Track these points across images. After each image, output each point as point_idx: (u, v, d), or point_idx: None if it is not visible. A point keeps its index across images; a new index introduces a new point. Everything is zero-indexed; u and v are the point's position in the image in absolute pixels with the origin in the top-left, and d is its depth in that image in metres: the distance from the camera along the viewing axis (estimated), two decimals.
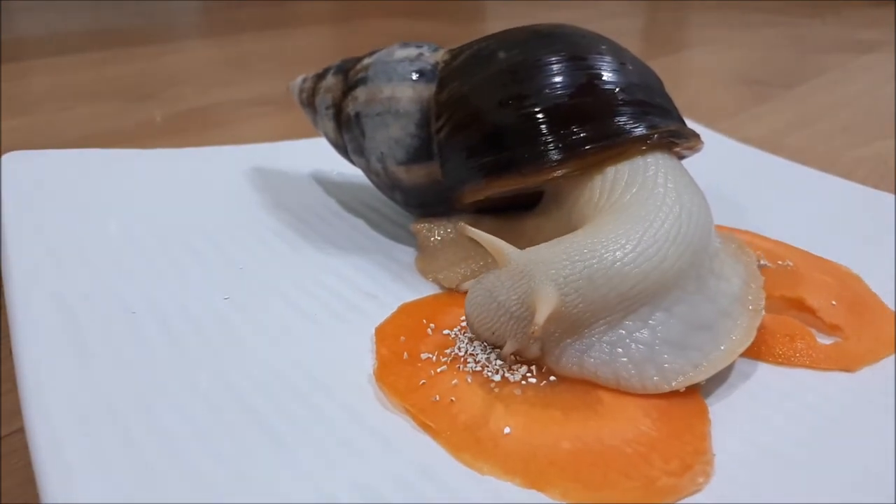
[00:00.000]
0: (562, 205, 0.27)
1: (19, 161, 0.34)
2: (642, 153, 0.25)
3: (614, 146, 0.25)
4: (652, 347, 0.22)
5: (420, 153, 0.29)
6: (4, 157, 0.34)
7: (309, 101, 0.33)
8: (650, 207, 0.23)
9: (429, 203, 0.30)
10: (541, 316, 0.21)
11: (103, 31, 1.01)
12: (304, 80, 0.34)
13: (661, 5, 1.40)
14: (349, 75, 0.31)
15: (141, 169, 0.36)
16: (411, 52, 0.30)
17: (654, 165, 0.25)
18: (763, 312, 0.23)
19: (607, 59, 0.27)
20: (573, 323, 0.22)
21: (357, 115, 0.30)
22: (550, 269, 0.22)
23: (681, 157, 0.28)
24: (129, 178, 0.35)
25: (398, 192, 0.31)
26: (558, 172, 0.25)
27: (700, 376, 0.22)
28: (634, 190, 0.24)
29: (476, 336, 0.23)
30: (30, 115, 0.58)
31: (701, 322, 0.22)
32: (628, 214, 0.23)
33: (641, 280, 0.22)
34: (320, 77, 0.33)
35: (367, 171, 0.31)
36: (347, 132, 0.31)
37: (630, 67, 0.27)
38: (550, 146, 0.25)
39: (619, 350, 0.21)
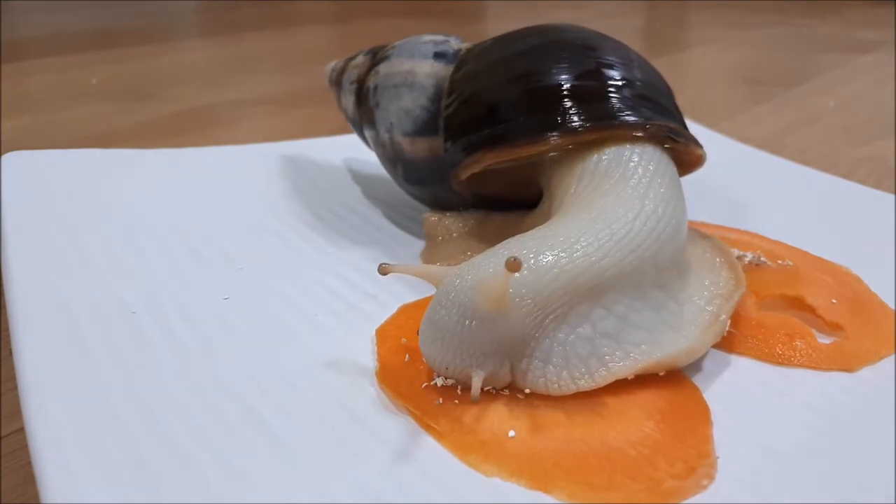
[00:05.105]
0: (550, 198, 0.27)
1: (19, 161, 0.34)
2: (634, 141, 0.25)
3: (608, 128, 0.25)
4: (593, 341, 0.21)
5: (427, 126, 0.29)
6: (4, 157, 0.34)
7: (337, 79, 0.35)
8: (606, 206, 0.23)
9: (427, 180, 0.31)
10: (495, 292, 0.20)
11: (103, 31, 1.01)
12: (337, 63, 0.35)
13: (661, 5, 1.40)
14: (377, 55, 0.33)
15: (141, 169, 0.36)
16: (438, 37, 0.31)
17: (637, 159, 0.25)
18: (723, 333, 0.23)
19: (619, 55, 0.28)
20: (524, 321, 0.21)
21: (375, 87, 0.31)
22: (489, 266, 0.21)
23: (684, 164, 0.28)
24: (129, 178, 0.35)
25: (399, 165, 0.31)
26: (552, 142, 0.25)
27: (632, 366, 0.21)
28: (603, 185, 0.24)
29: (440, 374, 0.21)
30: (30, 115, 0.58)
31: (638, 322, 0.22)
32: (583, 209, 0.23)
33: (580, 274, 0.21)
34: (351, 58, 0.34)
35: (375, 143, 0.32)
36: (364, 105, 0.32)
37: (639, 69, 0.28)
38: (546, 120, 0.26)
39: (569, 349, 0.21)
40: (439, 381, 0.21)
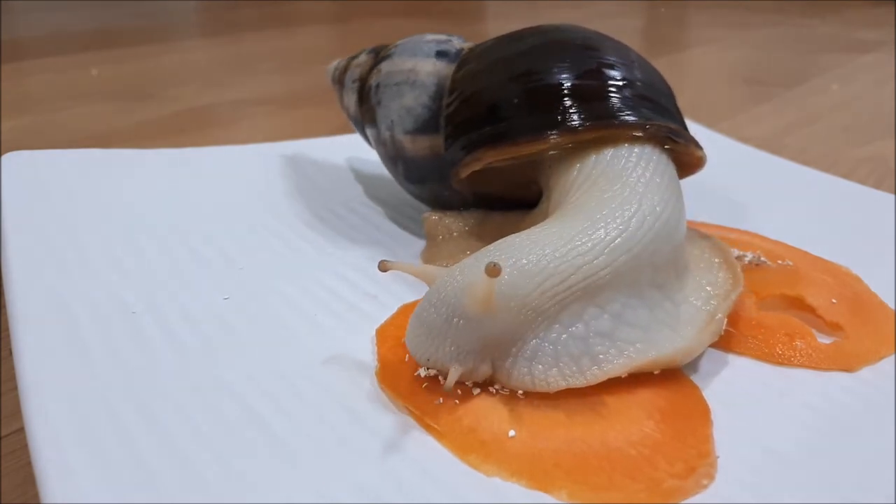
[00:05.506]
0: (548, 197, 0.27)
1: (19, 161, 0.34)
2: (633, 141, 0.25)
3: (607, 127, 0.25)
4: (586, 340, 0.21)
5: (428, 125, 0.30)
6: (4, 157, 0.34)
7: (339, 77, 0.35)
8: (602, 204, 0.23)
9: (427, 178, 0.31)
10: (480, 295, 0.20)
11: (103, 31, 1.01)
12: (340, 61, 0.35)
13: (661, 5, 1.40)
14: (380, 54, 0.33)
15: (141, 169, 0.36)
16: (441, 37, 0.32)
17: (635, 159, 0.25)
18: (720, 333, 0.23)
19: (620, 55, 0.28)
20: (513, 322, 0.21)
21: (377, 85, 0.31)
22: (479, 268, 0.21)
23: (684, 165, 0.28)
24: (129, 178, 0.35)
25: (400, 163, 0.31)
26: (552, 141, 0.25)
27: (626, 365, 0.21)
28: (600, 183, 0.24)
29: (422, 365, 0.21)
30: (30, 115, 0.58)
31: (633, 321, 0.22)
32: (579, 209, 0.23)
33: (573, 273, 0.21)
34: (354, 56, 0.34)
35: (377, 141, 0.32)
36: (366, 103, 0.32)
37: (640, 69, 0.28)
38: (546, 119, 0.26)
39: (560, 348, 0.21)
40: (422, 372, 0.21)
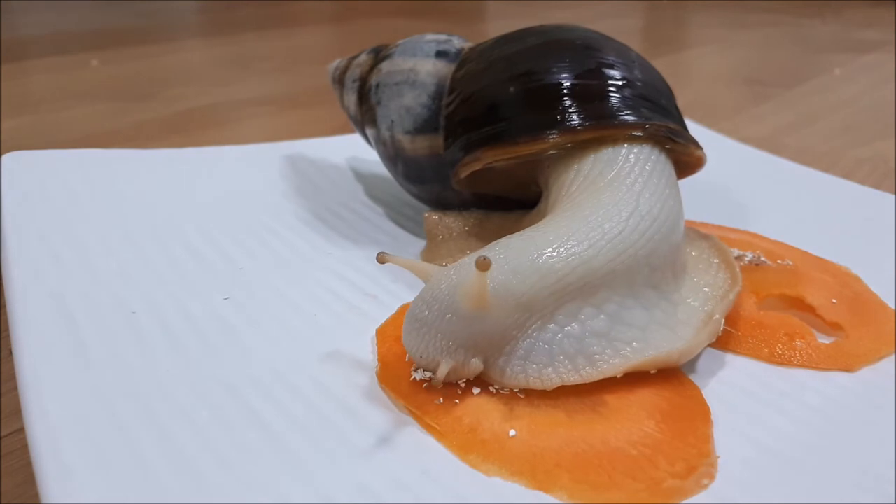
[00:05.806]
0: (547, 196, 0.27)
1: (19, 161, 0.34)
2: (632, 141, 0.25)
3: (606, 127, 0.25)
4: (582, 340, 0.21)
5: (427, 124, 0.30)
6: (4, 157, 0.34)
7: (340, 77, 0.35)
8: (600, 204, 0.23)
9: (427, 178, 0.31)
10: (475, 292, 0.20)
11: (103, 31, 1.01)
12: (340, 61, 0.35)
13: (661, 5, 1.40)
14: (380, 54, 0.33)
15: (141, 169, 0.36)
16: (441, 37, 0.32)
17: (633, 159, 0.25)
18: (719, 333, 0.23)
19: (620, 55, 0.28)
20: (507, 320, 0.21)
21: (377, 84, 0.31)
22: (473, 267, 0.20)
23: (684, 165, 0.28)
24: (129, 178, 0.35)
25: (400, 163, 0.31)
26: (551, 140, 0.25)
27: (622, 364, 0.21)
28: (598, 183, 0.24)
29: (415, 363, 0.22)
30: (30, 115, 0.58)
31: (630, 321, 0.22)
32: (576, 209, 0.23)
33: (568, 273, 0.21)
34: (354, 57, 0.34)
35: (377, 141, 0.32)
36: (366, 103, 0.32)
37: (640, 69, 0.28)
38: (546, 119, 0.26)
39: (556, 347, 0.21)
40: (417, 375, 0.21)
